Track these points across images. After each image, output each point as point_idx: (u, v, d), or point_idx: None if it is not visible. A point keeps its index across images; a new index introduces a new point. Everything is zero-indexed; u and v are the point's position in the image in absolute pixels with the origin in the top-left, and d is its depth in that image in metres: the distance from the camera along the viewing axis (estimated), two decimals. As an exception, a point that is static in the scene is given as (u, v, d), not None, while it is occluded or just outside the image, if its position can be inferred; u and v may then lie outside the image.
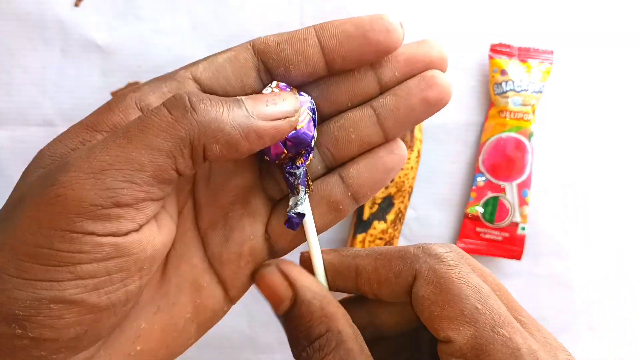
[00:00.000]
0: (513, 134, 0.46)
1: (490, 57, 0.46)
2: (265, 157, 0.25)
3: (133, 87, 0.24)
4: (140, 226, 0.21)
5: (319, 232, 0.26)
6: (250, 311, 0.47)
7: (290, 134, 0.23)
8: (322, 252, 0.25)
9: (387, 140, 0.25)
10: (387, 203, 0.45)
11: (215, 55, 0.24)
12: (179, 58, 0.47)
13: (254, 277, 0.25)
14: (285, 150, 0.24)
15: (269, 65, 0.24)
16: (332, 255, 0.25)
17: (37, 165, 0.22)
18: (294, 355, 0.23)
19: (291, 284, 0.23)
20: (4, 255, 0.19)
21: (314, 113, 0.25)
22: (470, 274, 0.22)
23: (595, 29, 0.48)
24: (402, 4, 0.47)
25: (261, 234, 0.26)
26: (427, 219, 0.47)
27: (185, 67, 0.24)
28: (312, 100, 0.25)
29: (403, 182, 0.45)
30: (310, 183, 0.25)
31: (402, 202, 0.45)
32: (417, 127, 0.45)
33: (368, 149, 0.26)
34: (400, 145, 0.26)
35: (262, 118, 0.21)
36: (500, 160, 0.46)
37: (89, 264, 0.20)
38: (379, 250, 0.24)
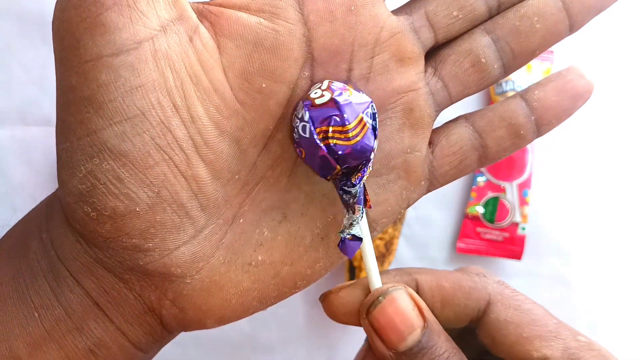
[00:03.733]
0: (513, 134, 0.46)
1: (491, 57, 0.46)
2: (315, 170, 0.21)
3: None
4: None
5: (493, 160, 0.24)
6: (250, 311, 0.47)
7: (343, 149, 0.20)
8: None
9: (572, 29, 0.24)
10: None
11: None
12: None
13: (369, 305, 0.22)
14: (338, 166, 0.21)
15: None
16: (384, 277, 0.23)
17: None
18: None
19: (421, 311, 0.21)
20: None
21: (374, 119, 0.21)
22: (525, 296, 0.23)
23: (595, 29, 0.48)
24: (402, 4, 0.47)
25: (424, 150, 0.23)
26: (428, 219, 0.47)
27: None
28: (373, 104, 0.21)
29: (403, 182, 0.45)
30: (369, 199, 0.22)
31: (402, 202, 0.45)
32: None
33: (553, 43, 0.24)
34: (589, 72, 0.25)
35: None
36: (500, 160, 0.46)
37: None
38: (439, 272, 0.23)
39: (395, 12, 0.24)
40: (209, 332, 0.47)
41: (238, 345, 0.47)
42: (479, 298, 0.22)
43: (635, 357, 0.48)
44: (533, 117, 0.24)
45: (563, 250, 0.47)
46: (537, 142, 0.47)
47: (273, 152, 0.22)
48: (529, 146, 0.46)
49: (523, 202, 0.46)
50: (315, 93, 0.21)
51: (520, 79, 0.46)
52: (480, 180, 0.46)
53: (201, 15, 0.20)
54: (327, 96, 0.20)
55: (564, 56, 0.47)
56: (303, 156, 0.21)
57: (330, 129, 0.20)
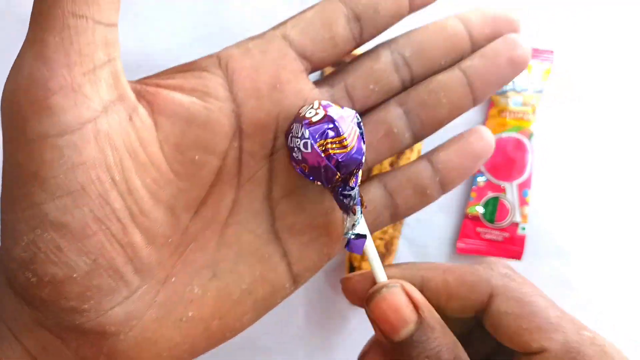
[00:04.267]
0: (513, 134, 0.46)
1: (491, 57, 0.46)
2: (317, 182, 0.24)
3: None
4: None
5: (403, 216, 0.26)
6: (250, 311, 0.47)
7: (341, 156, 0.23)
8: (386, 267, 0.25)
9: (475, 102, 0.26)
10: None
11: (302, 12, 0.25)
12: (178, 58, 0.47)
13: (369, 298, 0.24)
14: (339, 173, 0.23)
15: (357, 11, 0.25)
16: (392, 270, 0.25)
17: None
18: None
19: (416, 306, 0.23)
20: None
21: (360, 127, 0.24)
22: (535, 288, 0.24)
23: (595, 29, 0.48)
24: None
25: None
26: (428, 219, 0.47)
27: (272, 28, 0.25)
28: (357, 114, 0.24)
29: (403, 182, 0.45)
30: (364, 200, 0.25)
31: (402, 202, 0.45)
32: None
33: (457, 115, 0.27)
34: (488, 132, 0.27)
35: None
36: (500, 160, 0.46)
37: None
38: (445, 265, 0.25)
39: (318, 84, 0.26)
40: (208, 332, 0.47)
41: (237, 346, 0.47)
42: (482, 291, 0.23)
43: (636, 357, 0.48)
44: (438, 178, 0.27)
45: (563, 250, 0.47)
46: (537, 142, 0.47)
47: (204, 216, 0.23)
48: (529, 146, 0.46)
49: (523, 202, 0.46)
50: (309, 113, 0.23)
51: (520, 79, 0.46)
52: (480, 180, 0.46)
53: (139, 95, 0.23)
54: (322, 113, 0.23)
55: (564, 56, 0.47)
56: (306, 171, 0.23)
57: (329, 140, 0.23)
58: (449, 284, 0.24)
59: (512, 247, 0.46)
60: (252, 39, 0.25)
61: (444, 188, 0.27)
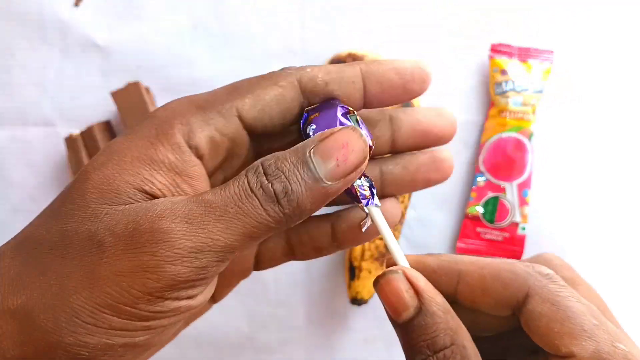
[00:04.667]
0: (513, 134, 0.46)
1: (490, 57, 0.46)
2: None
3: (174, 114, 0.23)
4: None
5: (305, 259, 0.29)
6: (250, 311, 0.47)
7: None
8: (420, 256, 0.26)
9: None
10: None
11: (259, 87, 0.24)
12: (178, 58, 0.47)
13: (376, 280, 0.24)
14: None
15: (312, 101, 0.25)
16: (430, 259, 0.25)
17: (104, 199, 0.21)
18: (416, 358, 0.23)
19: (417, 293, 0.23)
20: (80, 300, 0.20)
21: (365, 127, 0.25)
22: (578, 294, 0.23)
23: (595, 29, 0.48)
24: (402, 4, 0.47)
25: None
26: (428, 219, 0.47)
27: (230, 95, 0.24)
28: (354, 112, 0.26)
29: (403, 182, 0.45)
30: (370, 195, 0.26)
31: (402, 202, 0.45)
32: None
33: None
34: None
35: (334, 179, 0.22)
36: (500, 160, 0.46)
37: (164, 319, 0.21)
38: (484, 260, 0.25)
39: None
40: (208, 333, 0.47)
41: (238, 346, 0.47)
42: (517, 289, 0.23)
43: (636, 357, 0.48)
44: (335, 243, 0.28)
45: (563, 250, 0.47)
46: (537, 142, 0.47)
47: None
48: (529, 146, 0.46)
49: (523, 202, 0.46)
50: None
51: (520, 79, 0.46)
52: (480, 180, 0.46)
53: None
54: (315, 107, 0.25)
55: (564, 56, 0.47)
56: None
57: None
58: (484, 279, 0.24)
59: (512, 247, 0.46)
60: (209, 112, 0.24)
61: (340, 247, 0.29)
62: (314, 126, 0.24)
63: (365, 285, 0.44)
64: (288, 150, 0.22)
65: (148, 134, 0.22)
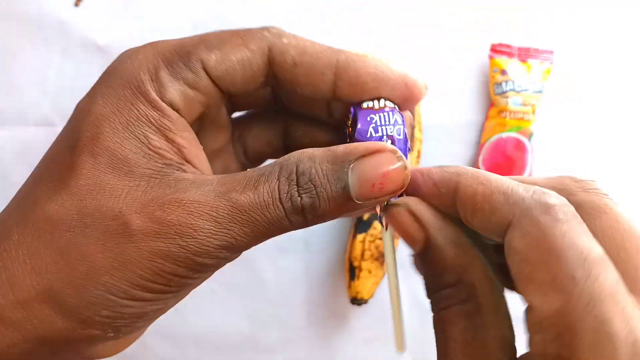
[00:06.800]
0: (513, 134, 0.46)
1: (490, 57, 0.46)
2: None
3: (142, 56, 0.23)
4: None
5: None
6: (250, 311, 0.47)
7: (397, 139, 0.23)
8: (427, 168, 0.23)
9: None
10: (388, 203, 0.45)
11: (229, 45, 0.23)
12: (179, 58, 0.47)
13: (385, 213, 0.23)
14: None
15: (279, 77, 0.24)
16: (435, 170, 0.23)
17: (118, 173, 0.21)
18: (427, 295, 0.22)
19: (422, 226, 0.22)
20: (113, 280, 0.20)
21: (404, 127, 0.24)
22: (581, 234, 0.18)
23: (595, 29, 0.48)
24: (402, 5, 0.47)
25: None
26: (427, 219, 0.47)
27: (197, 46, 0.23)
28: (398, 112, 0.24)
29: (403, 182, 0.45)
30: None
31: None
32: (417, 127, 0.45)
33: None
34: None
35: (364, 200, 0.21)
36: (500, 160, 0.46)
37: (191, 287, 0.22)
38: (487, 177, 0.21)
39: None
40: (209, 333, 0.47)
41: (238, 346, 0.47)
42: (504, 216, 0.20)
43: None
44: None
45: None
46: (537, 142, 0.47)
47: None
48: (528, 146, 0.46)
49: (523, 202, 0.46)
50: (371, 104, 0.24)
51: (520, 80, 0.46)
52: (480, 180, 0.46)
53: None
54: (381, 103, 0.24)
55: (564, 56, 0.47)
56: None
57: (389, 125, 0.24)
58: (475, 197, 0.20)
59: (512, 247, 0.46)
60: (178, 65, 0.23)
61: None
62: (360, 126, 0.23)
63: (365, 285, 0.44)
64: (326, 155, 0.21)
65: (124, 95, 0.22)
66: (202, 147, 0.24)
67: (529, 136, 0.46)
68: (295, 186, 0.21)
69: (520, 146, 0.46)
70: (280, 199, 0.21)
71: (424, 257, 0.22)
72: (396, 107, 0.24)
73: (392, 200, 0.23)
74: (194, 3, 0.47)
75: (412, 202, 0.22)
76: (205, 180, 0.21)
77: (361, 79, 0.23)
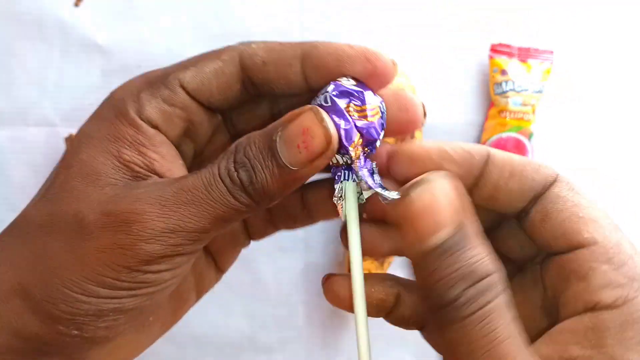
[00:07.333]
0: (513, 134, 0.46)
1: (490, 57, 0.46)
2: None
3: (126, 89, 0.25)
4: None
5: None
6: (250, 311, 0.47)
7: (360, 123, 0.23)
8: (453, 142, 0.23)
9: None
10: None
11: (204, 60, 0.25)
12: (178, 58, 0.47)
13: (405, 193, 0.20)
14: (360, 134, 0.23)
15: (254, 80, 0.25)
16: (460, 143, 0.23)
17: (87, 181, 0.22)
18: (438, 305, 0.19)
19: (459, 210, 0.20)
20: (69, 274, 0.21)
21: (383, 115, 0.24)
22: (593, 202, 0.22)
23: (595, 29, 0.48)
24: (402, 5, 0.47)
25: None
26: (427, 219, 0.47)
27: (176, 68, 0.25)
28: (383, 102, 0.24)
29: (403, 182, 0.45)
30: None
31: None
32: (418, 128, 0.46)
33: None
34: None
35: (299, 165, 0.22)
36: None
37: (149, 287, 0.22)
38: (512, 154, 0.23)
39: None
40: (209, 333, 0.47)
41: (238, 345, 0.47)
42: (547, 174, 0.22)
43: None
44: (306, 212, 0.28)
45: (563, 251, 0.47)
46: (537, 142, 0.47)
47: None
48: (528, 146, 0.46)
49: (523, 202, 0.46)
50: (344, 81, 0.23)
51: (520, 80, 0.46)
52: (480, 180, 0.46)
53: None
54: (353, 83, 0.23)
55: (564, 56, 0.47)
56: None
57: (352, 104, 0.23)
58: (514, 161, 0.22)
59: (512, 247, 0.46)
60: (156, 85, 0.24)
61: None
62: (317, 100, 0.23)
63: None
64: (260, 131, 0.22)
65: (108, 115, 0.24)
66: (181, 162, 0.25)
67: (529, 136, 0.46)
68: (233, 163, 0.22)
69: (520, 146, 0.46)
70: (219, 175, 0.21)
71: (438, 251, 0.19)
72: (364, 86, 0.24)
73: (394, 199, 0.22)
74: (194, 3, 0.47)
75: (451, 175, 0.20)
76: (164, 180, 0.22)
77: (323, 60, 0.24)
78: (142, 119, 0.23)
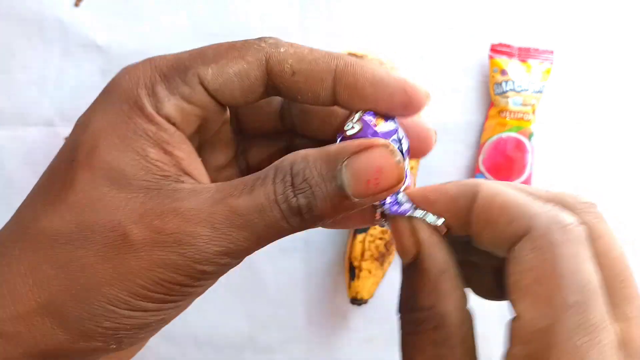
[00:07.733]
0: (513, 134, 0.46)
1: (490, 57, 0.46)
2: None
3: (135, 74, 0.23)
4: None
5: None
6: (250, 311, 0.47)
7: None
8: (441, 184, 0.23)
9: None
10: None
11: (225, 58, 0.23)
12: (179, 58, 0.47)
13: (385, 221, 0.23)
14: None
15: (278, 88, 0.23)
16: (448, 185, 0.23)
17: (116, 186, 0.21)
18: (398, 308, 0.22)
19: (417, 242, 0.22)
20: (114, 291, 0.20)
21: (399, 143, 0.23)
22: (587, 260, 0.19)
23: (595, 29, 0.48)
24: (402, 5, 0.47)
25: None
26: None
27: (193, 60, 0.24)
28: (399, 128, 0.23)
29: (403, 182, 0.45)
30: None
31: (412, 167, 0.45)
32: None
33: None
34: None
35: (361, 197, 0.21)
36: (500, 160, 0.46)
37: (191, 297, 0.22)
38: (504, 187, 0.21)
39: None
40: (209, 333, 0.47)
41: (238, 345, 0.47)
42: (518, 228, 0.20)
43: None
44: None
45: (563, 251, 0.47)
46: (537, 142, 0.47)
47: None
48: (528, 146, 0.46)
49: (523, 202, 0.46)
50: (347, 126, 0.23)
51: (520, 80, 0.46)
52: (480, 180, 0.46)
53: None
54: (357, 128, 0.23)
55: (564, 56, 0.47)
56: None
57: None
58: (493, 208, 0.21)
59: (512, 247, 0.46)
60: (174, 80, 0.23)
61: None
62: (353, 128, 0.23)
63: (365, 285, 0.44)
64: (319, 154, 0.21)
65: (120, 110, 0.22)
66: (200, 160, 0.24)
67: (529, 136, 0.46)
68: (291, 187, 0.21)
69: (520, 146, 0.46)
70: (276, 200, 0.21)
71: (408, 271, 0.22)
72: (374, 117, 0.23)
73: (405, 211, 0.22)
74: (194, 3, 0.47)
75: (423, 215, 0.22)
76: (202, 188, 0.21)
77: (359, 84, 0.23)
78: (160, 115, 0.22)
